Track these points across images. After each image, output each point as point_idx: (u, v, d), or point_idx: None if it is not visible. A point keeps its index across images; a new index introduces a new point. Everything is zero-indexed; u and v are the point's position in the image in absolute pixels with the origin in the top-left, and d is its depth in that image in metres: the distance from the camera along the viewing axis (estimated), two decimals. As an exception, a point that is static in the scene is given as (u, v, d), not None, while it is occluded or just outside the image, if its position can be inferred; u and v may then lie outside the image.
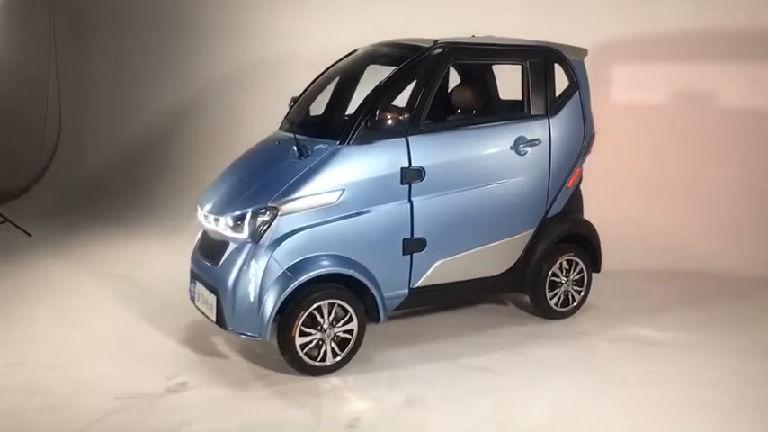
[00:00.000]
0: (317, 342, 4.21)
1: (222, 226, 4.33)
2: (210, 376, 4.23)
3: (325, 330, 4.21)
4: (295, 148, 4.34)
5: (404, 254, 4.45)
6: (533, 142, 4.80)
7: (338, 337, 4.26)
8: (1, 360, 4.43)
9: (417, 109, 4.41)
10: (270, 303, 4.07)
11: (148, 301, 5.50)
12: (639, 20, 6.67)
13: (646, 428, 3.69)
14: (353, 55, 5.20)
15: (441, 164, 4.48)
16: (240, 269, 4.17)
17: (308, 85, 5.16)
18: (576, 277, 5.16)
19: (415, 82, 4.46)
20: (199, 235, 4.83)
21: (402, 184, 4.38)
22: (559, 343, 4.74)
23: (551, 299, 5.07)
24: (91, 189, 8.99)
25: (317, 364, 4.22)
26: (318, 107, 5.18)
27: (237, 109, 8.75)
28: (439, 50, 4.51)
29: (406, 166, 4.37)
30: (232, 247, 4.28)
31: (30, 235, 7.25)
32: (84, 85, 9.77)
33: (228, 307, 4.18)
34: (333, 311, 4.22)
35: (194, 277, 4.61)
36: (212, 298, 4.30)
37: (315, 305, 4.14)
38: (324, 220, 4.21)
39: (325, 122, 4.95)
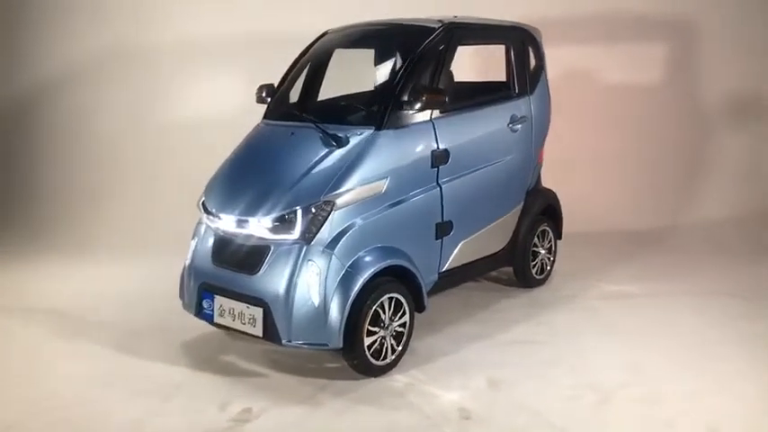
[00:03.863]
0: (380, 340, 3.97)
1: (255, 228, 3.87)
2: (268, 397, 3.77)
3: (387, 327, 3.99)
4: (322, 136, 4.04)
5: (436, 238, 4.36)
6: (522, 119, 4.97)
7: (395, 332, 4.06)
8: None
9: (438, 91, 4.32)
10: (339, 306, 3.74)
11: (104, 330, 4.72)
12: (528, 6, 7.12)
13: (700, 364, 4.09)
14: (326, 39, 4.91)
15: (460, 145, 4.44)
16: (293, 274, 3.77)
17: (286, 71, 4.76)
18: (548, 246, 5.46)
19: (432, 63, 4.34)
20: (195, 245, 4.25)
21: (432, 167, 4.28)
22: (563, 308, 4.99)
23: (533, 268, 5.32)
24: None
25: (381, 363, 3.98)
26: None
27: (85, 105, 7.66)
28: (449, 31, 4.44)
29: (435, 148, 4.28)
30: (275, 250, 3.84)
31: None
32: None
33: (283, 317, 3.76)
34: (392, 306, 4.00)
35: (210, 291, 4.06)
36: (256, 311, 3.83)
37: (378, 301, 3.90)
38: (373, 210, 3.97)
39: (339, 108, 4.63)
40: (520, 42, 5.03)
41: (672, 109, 7.15)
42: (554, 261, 5.56)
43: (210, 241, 4.17)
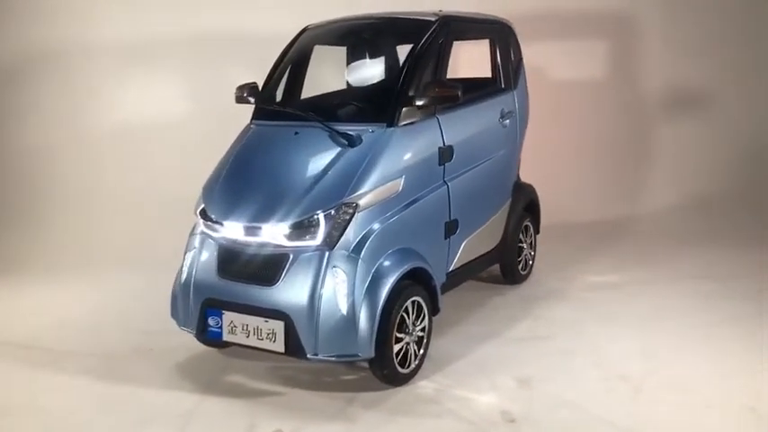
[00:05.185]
0: (405, 347, 3.79)
1: (270, 235, 3.60)
2: (295, 416, 3.51)
3: (411, 332, 3.82)
4: (331, 135, 3.83)
5: (445, 238, 4.23)
6: (510, 114, 4.92)
7: (417, 337, 3.90)
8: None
9: (440, 85, 4.19)
10: (369, 313, 3.53)
11: (78, 359, 4.29)
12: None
13: (708, 346, 4.19)
14: (309, 35, 4.66)
15: (462, 141, 4.33)
16: (317, 282, 3.53)
17: (271, 69, 4.48)
18: (529, 241, 5.45)
19: (434, 57, 4.19)
20: (191, 258, 3.90)
21: (439, 164, 4.15)
22: (555, 302, 4.98)
23: (518, 264, 5.29)
24: None
25: (406, 371, 3.80)
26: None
27: (11, 111, 6.99)
28: (446, 24, 4.30)
29: (442, 145, 4.15)
30: (294, 258, 3.58)
31: None
32: None
33: (309, 330, 3.51)
34: (414, 310, 3.84)
35: (217, 307, 3.74)
36: (276, 325, 3.57)
37: (404, 306, 3.72)
38: (392, 211, 3.79)
39: (341, 105, 4.39)
40: (504, 36, 5.00)
41: (614, 103, 7.37)
42: (535, 256, 5.57)
43: (212, 252, 3.84)
